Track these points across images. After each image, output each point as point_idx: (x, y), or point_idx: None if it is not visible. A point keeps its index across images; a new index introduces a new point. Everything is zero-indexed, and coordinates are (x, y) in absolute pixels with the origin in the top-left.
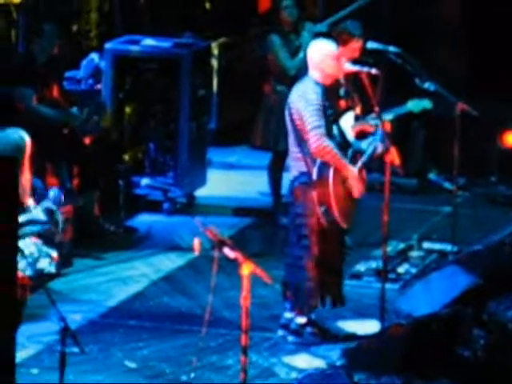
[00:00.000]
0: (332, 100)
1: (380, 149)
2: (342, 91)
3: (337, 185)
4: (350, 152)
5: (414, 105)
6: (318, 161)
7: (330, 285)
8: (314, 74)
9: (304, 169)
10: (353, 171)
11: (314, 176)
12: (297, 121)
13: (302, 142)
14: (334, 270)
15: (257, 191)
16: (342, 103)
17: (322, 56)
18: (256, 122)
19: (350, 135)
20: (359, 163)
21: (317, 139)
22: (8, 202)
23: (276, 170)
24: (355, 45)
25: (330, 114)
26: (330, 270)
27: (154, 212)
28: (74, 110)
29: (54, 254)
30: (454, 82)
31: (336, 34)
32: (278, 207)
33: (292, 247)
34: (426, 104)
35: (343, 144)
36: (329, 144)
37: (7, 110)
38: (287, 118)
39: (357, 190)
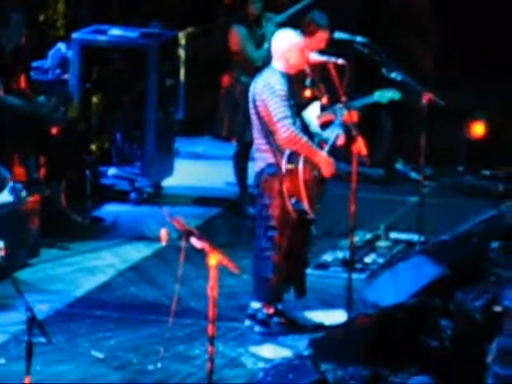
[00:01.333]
0: (298, 90)
1: (341, 137)
2: (307, 81)
3: (307, 175)
4: (315, 142)
5: (381, 95)
6: (287, 152)
7: (295, 275)
8: (278, 64)
9: (272, 160)
10: (323, 155)
11: (283, 168)
12: (262, 112)
13: (268, 133)
14: (300, 261)
15: (223, 181)
16: (308, 93)
17: (288, 46)
18: (220, 113)
19: (316, 125)
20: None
21: (285, 129)
22: None
23: (242, 160)
24: (321, 36)
25: (293, 105)
26: (295, 261)
27: (120, 202)
28: (41, 99)
29: (1, 244)
30: (421, 71)
31: (302, 25)
32: (245, 197)
33: (259, 239)
34: (394, 95)
35: (307, 134)
36: (298, 133)
37: None
38: (252, 110)
39: (328, 171)
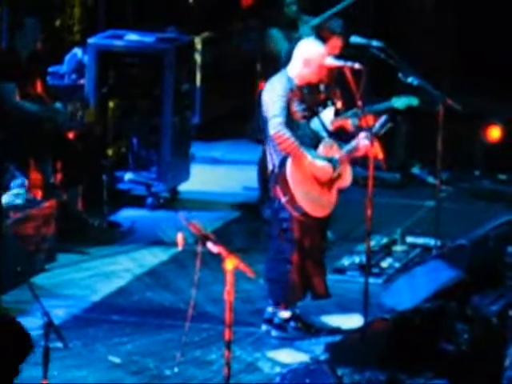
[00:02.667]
0: (312, 94)
1: (361, 150)
2: (322, 86)
3: (297, 172)
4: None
5: (399, 101)
6: (280, 156)
7: (312, 278)
8: (291, 68)
9: (276, 162)
10: (309, 159)
11: (276, 168)
12: (266, 112)
13: (268, 136)
14: (316, 263)
15: (240, 185)
16: (322, 97)
17: (308, 56)
18: (256, 117)
19: (329, 129)
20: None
21: (274, 126)
22: None
23: (264, 164)
24: (335, 42)
25: (304, 109)
26: (311, 263)
27: (137, 207)
28: (58, 105)
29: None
30: (438, 76)
31: (317, 30)
32: (264, 201)
33: (274, 241)
34: (412, 101)
35: (316, 140)
36: (286, 132)
37: None
38: (261, 118)
39: (321, 174)
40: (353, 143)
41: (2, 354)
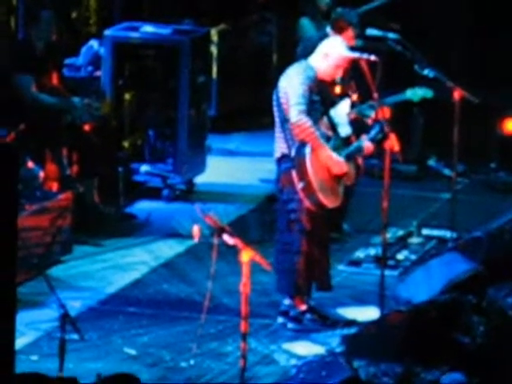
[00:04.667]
0: (328, 87)
1: (367, 148)
2: (338, 78)
3: (316, 160)
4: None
5: (413, 93)
6: (296, 143)
7: (319, 269)
8: (314, 60)
9: (286, 150)
10: (328, 151)
11: (293, 153)
12: (282, 99)
13: (284, 120)
14: (323, 255)
15: (256, 178)
16: (338, 90)
17: (331, 52)
18: None
19: (346, 122)
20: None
21: (297, 114)
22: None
23: None
24: (350, 33)
25: (318, 100)
26: (319, 255)
27: (153, 199)
28: (76, 99)
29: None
30: (454, 68)
31: (333, 21)
32: None
33: (282, 233)
34: (426, 93)
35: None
36: (308, 120)
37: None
38: (274, 101)
39: (337, 169)
40: (355, 144)
41: None
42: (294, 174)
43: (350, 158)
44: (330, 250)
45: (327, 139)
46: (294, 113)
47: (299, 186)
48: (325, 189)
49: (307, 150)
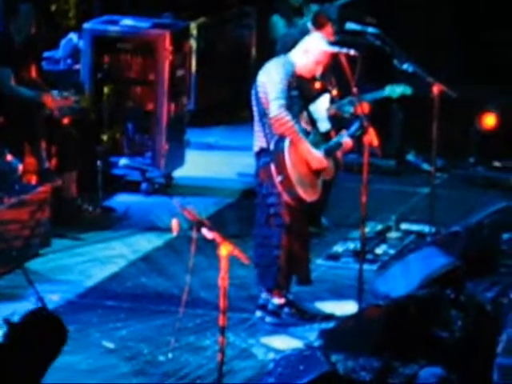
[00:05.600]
0: (308, 83)
1: (346, 145)
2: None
3: (294, 154)
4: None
5: (392, 90)
6: (275, 137)
7: (299, 263)
8: (295, 56)
9: (264, 145)
10: (307, 146)
11: (272, 147)
12: (260, 93)
13: (263, 115)
14: (303, 249)
15: (235, 172)
16: (318, 85)
17: (312, 48)
18: None
19: (325, 117)
20: (322, 147)
21: (277, 108)
22: None
23: None
24: (329, 29)
25: (296, 96)
26: (298, 249)
27: (131, 192)
28: (55, 92)
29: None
30: (434, 63)
31: (313, 17)
32: None
33: (261, 227)
34: (405, 90)
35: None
36: (287, 114)
37: None
38: (252, 95)
39: (316, 164)
40: (335, 140)
41: (42, 344)
42: (272, 167)
43: (329, 153)
44: (309, 244)
45: (306, 134)
46: (273, 107)
47: (278, 179)
48: (303, 183)
49: (286, 143)
